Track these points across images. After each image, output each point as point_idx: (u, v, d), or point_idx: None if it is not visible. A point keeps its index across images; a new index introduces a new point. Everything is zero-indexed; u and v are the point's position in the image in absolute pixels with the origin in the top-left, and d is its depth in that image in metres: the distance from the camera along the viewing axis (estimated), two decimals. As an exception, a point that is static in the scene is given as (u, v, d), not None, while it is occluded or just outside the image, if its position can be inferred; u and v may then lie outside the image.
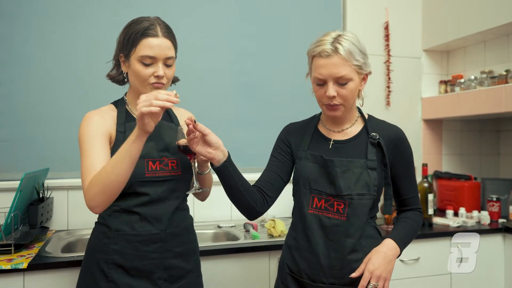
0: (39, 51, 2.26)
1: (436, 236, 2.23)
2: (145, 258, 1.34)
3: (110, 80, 1.47)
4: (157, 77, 1.33)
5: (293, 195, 1.41)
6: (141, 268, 1.34)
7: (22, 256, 1.72)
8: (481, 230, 2.29)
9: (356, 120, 1.39)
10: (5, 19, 2.21)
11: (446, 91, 2.84)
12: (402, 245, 1.30)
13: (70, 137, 2.24)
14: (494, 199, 2.47)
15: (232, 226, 2.33)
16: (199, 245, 1.93)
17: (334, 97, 1.26)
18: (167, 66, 1.35)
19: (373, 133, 1.33)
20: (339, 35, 1.28)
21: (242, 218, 2.41)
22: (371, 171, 1.29)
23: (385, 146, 1.32)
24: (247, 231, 2.21)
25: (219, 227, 2.33)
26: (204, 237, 2.27)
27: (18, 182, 1.78)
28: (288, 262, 1.37)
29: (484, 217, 2.40)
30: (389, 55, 2.79)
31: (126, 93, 1.48)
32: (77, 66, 2.31)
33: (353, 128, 1.38)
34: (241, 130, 2.58)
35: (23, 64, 2.24)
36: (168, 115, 1.50)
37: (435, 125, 2.94)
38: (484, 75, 2.56)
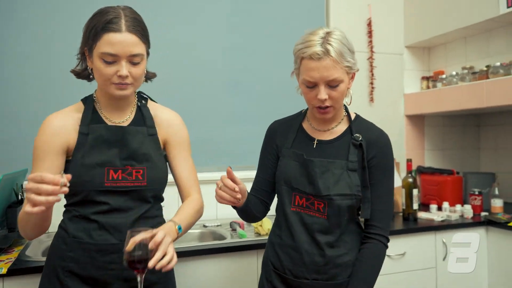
0: (16, 48, 2.18)
1: (421, 231, 2.25)
2: (102, 268, 1.25)
3: (75, 77, 1.34)
4: (120, 77, 1.20)
5: (276, 192, 1.41)
6: (98, 278, 1.25)
7: (1, 261, 1.66)
8: (464, 224, 2.33)
9: (342, 119, 1.37)
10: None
11: (428, 87, 2.87)
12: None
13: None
14: (476, 193, 2.51)
15: (218, 225, 2.30)
16: (186, 246, 1.91)
17: (325, 99, 1.24)
18: (133, 64, 1.22)
19: (356, 134, 1.31)
20: (328, 33, 1.24)
21: (228, 217, 2.39)
22: (352, 173, 1.28)
23: (367, 147, 1.30)
24: (234, 230, 2.19)
25: (205, 226, 2.30)
26: (190, 237, 2.23)
27: (-5, 184, 1.71)
28: (271, 259, 1.37)
29: (467, 210, 2.43)
30: (372, 51, 2.80)
31: (96, 90, 1.36)
32: (57, 63, 2.24)
33: (338, 128, 1.36)
34: (232, 126, 2.55)
35: (3, 66, 2.16)
36: (140, 114, 1.36)
37: (417, 120, 2.97)
38: (465, 71, 2.60)
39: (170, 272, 1.39)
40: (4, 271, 1.55)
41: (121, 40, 1.19)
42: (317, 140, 1.35)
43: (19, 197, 1.99)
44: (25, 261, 1.67)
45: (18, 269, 1.59)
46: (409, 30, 2.88)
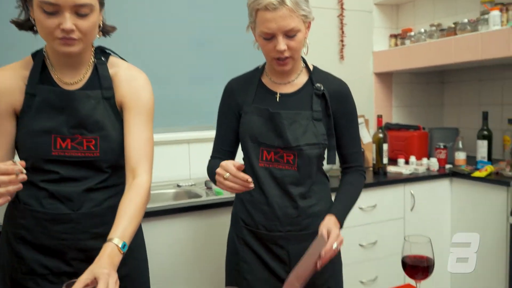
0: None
1: (390, 184, 2.34)
2: (55, 238, 1.17)
3: (17, 28, 1.16)
4: (64, 30, 1.04)
5: (242, 150, 1.40)
6: (51, 247, 1.17)
7: None
8: (430, 176, 2.44)
9: (301, 70, 1.37)
10: None
11: (396, 45, 2.91)
12: (343, 221, 1.30)
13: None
14: (442, 147, 2.62)
15: (192, 185, 2.30)
16: (160, 205, 1.90)
17: (284, 50, 1.23)
18: (80, 16, 1.06)
19: (317, 84, 1.33)
20: None
21: (202, 176, 2.38)
22: (317, 122, 1.31)
23: (329, 97, 1.32)
24: (209, 188, 2.19)
25: (178, 186, 2.29)
26: (165, 197, 2.22)
27: None
28: (242, 216, 1.38)
29: (433, 163, 2.54)
30: (342, 8, 2.79)
31: (46, 44, 1.19)
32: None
33: (299, 80, 1.36)
34: (196, 86, 2.50)
35: None
36: (96, 74, 1.20)
37: (385, 78, 3.03)
38: (433, 28, 2.64)
39: (137, 239, 1.27)
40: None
41: None
42: (279, 94, 1.35)
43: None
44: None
45: None
46: (378, -14, 2.88)
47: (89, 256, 1.14)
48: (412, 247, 1.08)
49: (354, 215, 2.22)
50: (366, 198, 2.27)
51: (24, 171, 0.96)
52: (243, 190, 1.14)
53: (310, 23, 1.30)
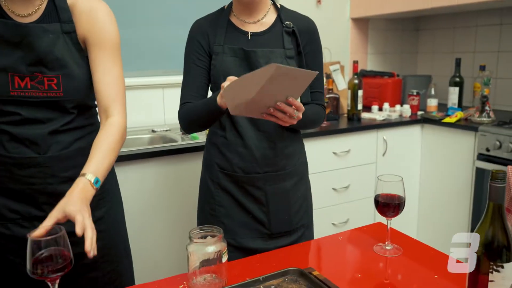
0: None
1: (364, 129, 2.38)
2: (22, 182, 1.12)
3: None
4: None
5: (213, 92, 1.37)
6: (18, 191, 1.13)
7: None
8: (403, 122, 2.49)
9: (270, 8, 1.36)
10: None
11: (374, -11, 2.85)
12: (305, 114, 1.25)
13: None
14: (414, 93, 2.65)
15: (167, 130, 2.28)
16: (134, 149, 1.88)
17: None
18: None
19: (287, 22, 1.32)
20: None
21: (177, 122, 2.35)
22: (290, 60, 1.30)
23: (299, 34, 1.32)
24: (184, 133, 2.17)
25: (153, 131, 2.26)
26: (140, 142, 2.20)
27: None
28: (217, 161, 1.36)
29: (406, 110, 2.58)
30: None
31: None
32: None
33: (267, 18, 1.34)
34: (171, 28, 2.41)
35: None
36: (53, 5, 1.10)
37: (362, 24, 2.99)
38: (412, -29, 2.59)
39: (111, 181, 1.27)
40: None
41: None
42: (251, 33, 1.32)
43: None
44: None
45: None
46: None
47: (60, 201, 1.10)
48: (384, 186, 1.12)
49: (327, 160, 2.28)
50: (340, 143, 2.31)
51: None
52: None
53: None
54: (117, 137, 1.10)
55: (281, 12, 1.35)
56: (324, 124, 2.37)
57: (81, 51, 1.13)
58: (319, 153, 2.25)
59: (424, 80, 2.86)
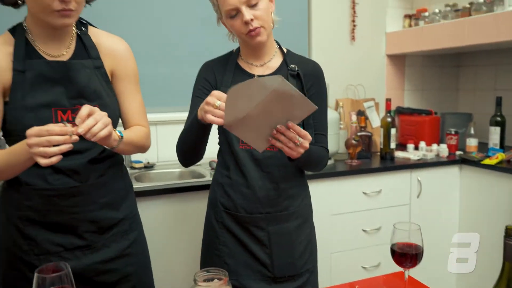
0: None
1: (397, 169, 2.29)
2: (65, 212, 1.17)
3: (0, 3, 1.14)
4: (63, 1, 1.04)
5: (219, 132, 1.39)
6: (61, 223, 1.18)
7: None
8: (439, 162, 2.38)
9: (276, 52, 1.39)
10: None
11: (410, 25, 2.81)
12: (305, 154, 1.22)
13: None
14: (453, 133, 2.55)
15: (198, 165, 2.30)
16: (166, 183, 1.91)
17: (252, 20, 1.24)
18: None
19: (291, 65, 1.34)
20: None
21: (207, 157, 2.36)
22: None
23: (303, 77, 1.34)
24: (213, 169, 2.19)
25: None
26: (170, 176, 2.24)
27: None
28: (221, 200, 1.36)
29: (443, 149, 2.48)
30: (354, -13, 2.71)
31: (25, 18, 1.17)
32: None
33: (273, 62, 1.37)
34: (193, 66, 2.46)
35: None
36: (82, 44, 1.20)
37: (398, 60, 2.94)
38: (448, 8, 2.54)
39: (135, 209, 1.35)
40: None
41: None
42: (257, 75, 1.35)
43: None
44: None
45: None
46: (393, -35, 2.78)
47: (100, 227, 1.22)
48: (401, 235, 1.06)
49: (357, 200, 2.21)
50: (371, 183, 2.24)
51: (79, 131, 0.98)
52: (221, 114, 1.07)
53: None
54: (143, 132, 1.28)
55: (287, 56, 1.38)
56: (355, 162, 2.31)
57: (109, 83, 1.24)
58: (348, 192, 2.19)
59: (463, 119, 2.74)
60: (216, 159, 2.17)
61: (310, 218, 1.44)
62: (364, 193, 2.22)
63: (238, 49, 1.41)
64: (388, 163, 2.34)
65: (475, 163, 2.31)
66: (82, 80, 1.16)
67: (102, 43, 1.23)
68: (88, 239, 1.20)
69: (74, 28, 1.20)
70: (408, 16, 2.83)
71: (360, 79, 2.78)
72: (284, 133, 1.08)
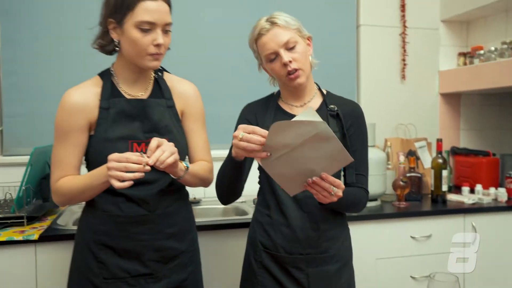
0: (47, 29, 2.27)
1: (449, 213, 2.18)
2: (134, 239, 1.29)
3: (98, 50, 1.32)
4: (157, 46, 1.22)
5: (260, 172, 1.41)
6: (130, 249, 1.29)
7: (34, 228, 1.77)
8: (497, 208, 2.24)
9: (315, 93, 1.42)
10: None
11: (464, 64, 2.73)
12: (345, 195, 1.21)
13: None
14: (513, 176, 2.39)
15: (242, 202, 2.33)
16: (208, 220, 1.96)
17: (290, 62, 1.29)
18: (166, 32, 1.25)
19: (331, 106, 1.37)
20: (269, 16, 1.34)
21: (252, 194, 2.37)
22: None
23: (343, 117, 1.36)
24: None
25: (228, 202, 2.33)
26: (214, 212, 2.28)
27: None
28: (261, 239, 1.37)
29: (502, 194, 2.33)
30: (404, 26, 2.69)
31: (113, 64, 1.36)
32: (88, 40, 2.30)
33: (313, 103, 1.40)
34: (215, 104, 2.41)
35: (32, 41, 2.25)
36: (158, 87, 1.37)
37: (452, 99, 2.85)
38: (505, 46, 2.44)
39: (195, 243, 1.45)
40: (35, 237, 1.65)
41: (157, 7, 1.21)
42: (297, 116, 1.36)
43: (52, 170, 2.09)
44: (56, 228, 1.77)
45: (49, 236, 1.69)
46: (445, 3, 2.73)
47: (163, 256, 1.32)
48: (438, 287, 1.01)
49: (404, 244, 2.11)
50: (420, 226, 2.14)
51: (150, 162, 1.11)
52: (259, 149, 1.06)
53: (309, 39, 1.37)
54: (207, 166, 1.41)
55: (327, 97, 1.41)
56: (403, 204, 2.23)
57: (179, 121, 1.39)
58: (395, 236, 2.10)
59: (526, 161, 2.57)
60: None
61: (350, 261, 1.41)
62: (413, 237, 2.13)
63: (279, 92, 1.46)
64: (440, 206, 2.23)
65: (538, 210, 2.14)
66: (155, 116, 1.31)
67: (174, 87, 1.40)
68: (151, 268, 1.31)
69: (152, 73, 1.38)
70: (463, 54, 2.75)
71: (411, 118, 2.71)
72: (319, 184, 1.09)
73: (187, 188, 1.46)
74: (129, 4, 1.19)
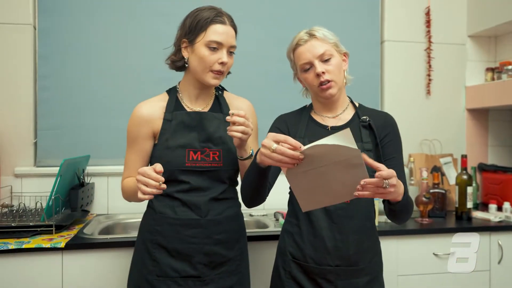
0: (78, 43, 2.38)
1: (473, 230, 2.12)
2: (185, 241, 1.41)
3: (169, 65, 1.48)
4: (222, 63, 1.37)
5: None
6: (181, 250, 1.41)
7: (62, 236, 1.84)
8: (525, 226, 2.17)
9: (348, 106, 1.45)
10: (46, 11, 2.33)
11: (492, 79, 2.68)
12: (404, 197, 1.20)
13: (109, 126, 2.37)
14: (543, 194, 2.32)
15: (263, 215, 2.36)
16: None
17: (323, 73, 1.32)
18: (230, 54, 1.40)
19: (363, 117, 1.39)
20: (309, 29, 1.40)
21: (273, 207, 2.41)
22: (368, 153, 1.33)
23: (376, 128, 1.38)
24: (277, 220, 2.23)
25: (251, 215, 2.36)
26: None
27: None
28: (290, 249, 1.39)
29: (530, 212, 2.26)
30: (430, 41, 2.67)
31: (179, 82, 1.52)
32: (117, 56, 2.41)
33: (346, 114, 1.42)
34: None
35: (64, 56, 2.36)
36: (218, 103, 1.51)
37: (480, 115, 2.79)
38: (534, 61, 2.39)
39: (244, 253, 1.53)
40: (62, 245, 1.73)
41: (226, 31, 1.37)
42: (331, 126, 1.40)
43: (81, 181, 2.18)
44: (82, 237, 1.84)
45: (75, 244, 1.76)
46: (472, 17, 2.70)
47: (211, 261, 1.43)
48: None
49: (427, 262, 2.08)
50: (445, 244, 2.09)
51: (164, 183, 1.21)
52: (292, 163, 1.05)
53: (345, 55, 1.41)
54: None
55: (359, 109, 1.44)
56: (426, 221, 2.20)
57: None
58: (417, 253, 2.07)
59: (557, 179, 2.49)
60: (280, 211, 2.24)
61: (381, 276, 1.40)
62: (435, 255, 2.08)
63: (311, 104, 1.50)
64: (464, 224, 2.18)
65: None
66: (211, 128, 1.44)
67: (233, 104, 1.53)
68: (200, 271, 1.41)
69: (213, 90, 1.53)
70: (491, 69, 2.70)
71: (437, 134, 2.68)
72: (366, 188, 1.04)
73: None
74: (202, 26, 1.36)
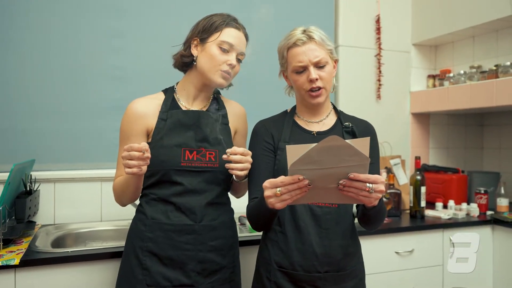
0: (31, 44, 2.14)
1: (429, 228, 2.26)
2: (179, 248, 1.36)
3: (174, 61, 1.48)
4: (230, 65, 1.38)
5: None
6: (174, 258, 1.36)
7: (11, 251, 1.63)
8: (471, 222, 2.35)
9: (330, 111, 1.45)
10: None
11: (434, 85, 2.88)
12: (380, 203, 1.21)
13: (57, 129, 2.17)
14: (482, 192, 2.52)
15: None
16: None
17: (317, 79, 1.31)
18: (238, 61, 1.42)
19: (346, 123, 1.40)
20: (307, 28, 1.37)
21: (236, 212, 2.36)
22: None
23: (358, 135, 1.38)
24: (243, 224, 2.18)
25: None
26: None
27: (6, 174, 1.68)
28: (276, 258, 1.34)
29: (474, 209, 2.45)
30: (380, 48, 2.80)
31: (177, 82, 1.51)
32: (60, 56, 2.20)
33: (329, 120, 1.43)
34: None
35: (12, 57, 2.12)
36: (215, 104, 1.51)
37: (422, 119, 2.99)
38: (474, 70, 2.61)
39: (236, 261, 1.51)
40: (16, 261, 1.53)
41: (239, 36, 1.41)
42: (316, 131, 1.39)
43: (27, 188, 1.95)
44: (36, 252, 1.64)
45: (31, 260, 1.57)
46: (416, 27, 2.88)
47: (205, 269, 1.38)
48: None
49: (389, 260, 2.16)
50: (403, 242, 2.20)
51: (148, 151, 1.21)
52: (302, 195, 1.05)
53: (336, 61, 1.40)
54: None
55: (341, 115, 1.44)
56: (386, 220, 2.29)
57: (231, 137, 1.51)
58: (380, 252, 2.14)
59: (491, 178, 2.73)
60: (244, 214, 2.19)
61: (364, 278, 1.42)
62: (397, 253, 2.18)
63: (293, 108, 1.47)
64: (419, 222, 2.31)
65: (509, 224, 2.27)
66: (208, 128, 1.42)
67: (230, 107, 1.54)
68: (193, 279, 1.36)
69: (211, 93, 1.52)
70: (432, 77, 2.90)
71: (386, 137, 2.81)
72: (351, 186, 1.02)
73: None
74: (217, 26, 1.39)
